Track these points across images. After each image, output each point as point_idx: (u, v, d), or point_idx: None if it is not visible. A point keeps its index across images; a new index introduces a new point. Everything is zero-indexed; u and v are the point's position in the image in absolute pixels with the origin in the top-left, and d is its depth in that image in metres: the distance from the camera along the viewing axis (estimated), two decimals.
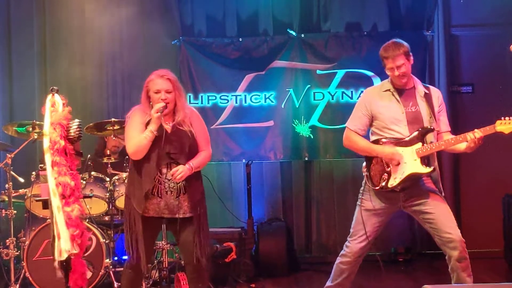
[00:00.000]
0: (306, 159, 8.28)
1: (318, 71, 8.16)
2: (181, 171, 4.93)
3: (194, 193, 5.08)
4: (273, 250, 7.55)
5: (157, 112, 4.91)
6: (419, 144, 5.09)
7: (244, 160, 8.20)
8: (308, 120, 8.16)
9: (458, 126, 7.83)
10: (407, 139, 5.11)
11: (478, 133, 4.95)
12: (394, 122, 5.17)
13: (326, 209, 8.40)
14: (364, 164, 5.32)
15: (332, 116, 8.12)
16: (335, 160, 8.27)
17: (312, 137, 8.16)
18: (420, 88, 5.25)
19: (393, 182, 5.10)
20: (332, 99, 8.14)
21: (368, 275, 6.83)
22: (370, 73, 8.05)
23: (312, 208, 8.45)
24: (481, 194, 8.19)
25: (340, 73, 8.15)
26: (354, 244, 5.34)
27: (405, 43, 5.16)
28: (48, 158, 4.32)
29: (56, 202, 4.29)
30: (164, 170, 4.99)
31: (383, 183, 5.13)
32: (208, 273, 5.39)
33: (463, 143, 5.05)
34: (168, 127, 5.03)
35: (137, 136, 4.96)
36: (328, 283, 5.50)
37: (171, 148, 4.98)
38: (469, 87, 8.38)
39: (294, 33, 8.18)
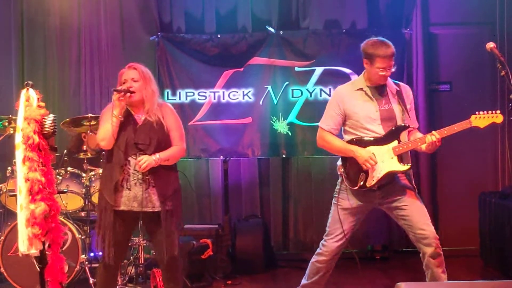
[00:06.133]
0: (284, 156, 8.25)
1: (296, 68, 8.14)
2: (144, 160, 4.92)
3: (164, 187, 5.06)
4: (250, 246, 7.54)
5: (115, 94, 4.95)
6: (395, 142, 5.10)
7: (221, 157, 8.16)
8: (286, 117, 8.13)
9: (435, 124, 7.88)
10: (382, 137, 5.12)
11: (435, 136, 4.99)
12: (368, 121, 5.16)
13: (304, 206, 8.40)
14: (340, 163, 5.31)
15: (310, 113, 8.07)
16: (313, 157, 8.25)
17: (290, 134, 8.13)
18: (392, 85, 5.25)
19: (371, 181, 5.10)
20: (310, 96, 8.12)
21: (345, 272, 6.84)
22: (348, 71, 8.01)
23: (289, 205, 8.44)
24: (457, 193, 8.24)
25: (319, 70, 8.11)
26: (331, 243, 5.34)
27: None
28: (19, 154, 4.28)
29: (20, 200, 4.24)
30: (132, 161, 4.99)
31: (361, 183, 5.13)
32: (183, 271, 5.36)
33: (423, 144, 5.09)
34: (138, 117, 5.06)
35: (105, 125, 4.99)
36: (304, 281, 5.51)
37: (139, 139, 4.99)
38: (447, 85, 8.41)
39: (272, 30, 8.15)
